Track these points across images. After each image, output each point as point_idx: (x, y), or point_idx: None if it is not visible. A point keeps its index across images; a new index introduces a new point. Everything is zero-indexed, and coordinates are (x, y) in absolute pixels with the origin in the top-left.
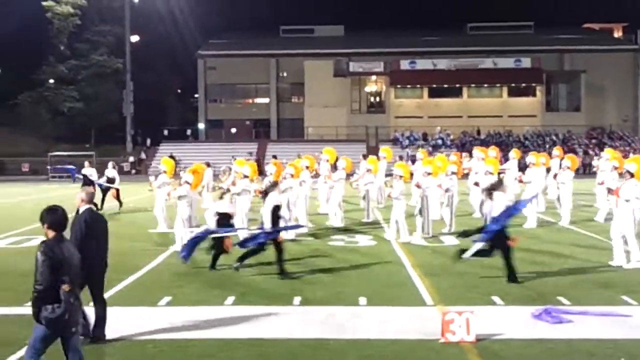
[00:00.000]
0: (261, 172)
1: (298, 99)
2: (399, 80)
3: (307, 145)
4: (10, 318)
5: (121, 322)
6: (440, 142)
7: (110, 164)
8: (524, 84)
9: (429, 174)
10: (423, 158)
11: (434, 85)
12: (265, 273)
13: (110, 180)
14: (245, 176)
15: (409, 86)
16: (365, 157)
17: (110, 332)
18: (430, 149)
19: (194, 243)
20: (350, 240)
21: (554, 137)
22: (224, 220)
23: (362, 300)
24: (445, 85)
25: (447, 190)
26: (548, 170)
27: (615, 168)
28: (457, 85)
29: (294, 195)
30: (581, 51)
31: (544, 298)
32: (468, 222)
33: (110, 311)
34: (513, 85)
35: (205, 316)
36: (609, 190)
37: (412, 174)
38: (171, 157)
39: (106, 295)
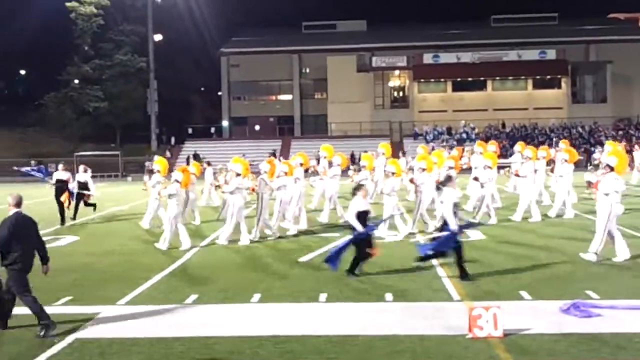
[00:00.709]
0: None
1: (321, 95)
2: (422, 74)
3: (331, 142)
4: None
5: (148, 320)
6: (464, 136)
7: (81, 168)
8: (549, 76)
9: (424, 169)
10: (422, 154)
11: (458, 79)
12: (290, 270)
13: (83, 186)
14: (238, 174)
15: (432, 80)
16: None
17: (138, 330)
18: (455, 143)
19: (341, 250)
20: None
21: (580, 129)
22: (363, 218)
23: (389, 296)
24: (470, 79)
25: (437, 187)
26: (549, 163)
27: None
28: (482, 79)
29: (288, 194)
30: (607, 41)
31: (572, 292)
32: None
33: (138, 309)
34: (538, 77)
35: (232, 314)
36: (589, 184)
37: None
38: (195, 155)
39: (133, 294)
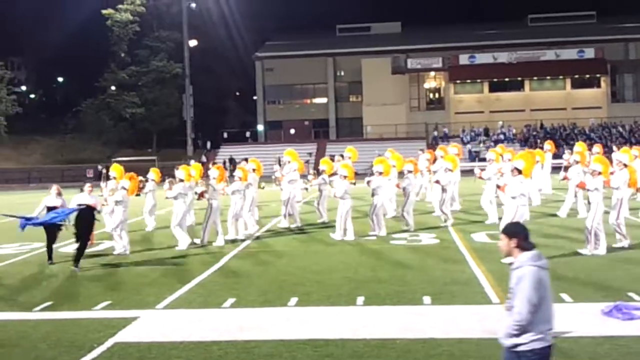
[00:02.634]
0: (318, 172)
1: (356, 97)
2: (458, 75)
3: (366, 144)
4: (80, 321)
5: (186, 324)
6: (502, 137)
7: (53, 189)
8: (587, 75)
9: (380, 173)
10: (391, 156)
11: (495, 80)
12: (327, 274)
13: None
14: (181, 180)
15: (468, 81)
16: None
17: (177, 334)
18: (492, 144)
19: None
20: (412, 239)
21: (620, 129)
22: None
23: (426, 299)
24: (507, 79)
25: (404, 190)
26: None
27: (577, 162)
28: (519, 79)
29: (243, 198)
30: None
31: (614, 294)
32: (427, 220)
33: (175, 314)
34: (577, 76)
35: (269, 317)
36: (497, 187)
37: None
38: (231, 159)
39: (172, 298)
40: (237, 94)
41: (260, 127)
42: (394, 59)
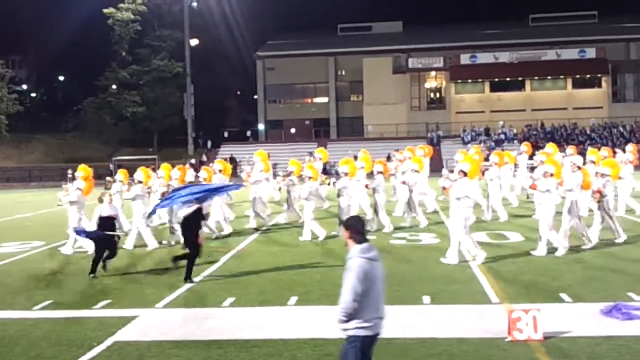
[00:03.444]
0: (326, 172)
1: (357, 97)
2: (459, 75)
3: (367, 144)
4: (80, 320)
5: (186, 323)
6: (503, 136)
7: (106, 198)
8: (589, 75)
9: (346, 174)
10: (363, 156)
11: (496, 79)
12: (326, 272)
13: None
14: (140, 181)
15: (469, 81)
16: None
17: (176, 333)
18: (492, 144)
19: None
20: (412, 238)
21: (621, 129)
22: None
23: (426, 298)
24: (508, 79)
25: (374, 190)
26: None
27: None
28: (520, 78)
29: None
30: None
31: (613, 294)
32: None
33: (174, 313)
34: (578, 76)
35: (269, 316)
36: (443, 189)
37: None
38: (231, 159)
39: (171, 297)
40: (238, 93)
41: (261, 127)
42: (395, 59)
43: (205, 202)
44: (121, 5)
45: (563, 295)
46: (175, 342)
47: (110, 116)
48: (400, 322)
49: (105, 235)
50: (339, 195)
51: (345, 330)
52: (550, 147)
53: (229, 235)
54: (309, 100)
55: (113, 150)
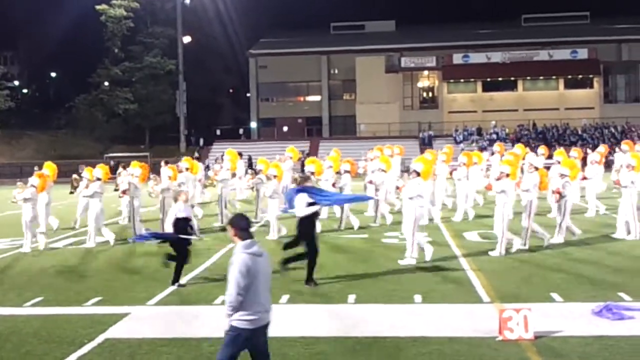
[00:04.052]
0: (256, 172)
1: (350, 96)
2: (451, 74)
3: (359, 143)
4: (71, 317)
5: (178, 320)
6: (495, 136)
7: (181, 197)
8: (580, 76)
9: (312, 173)
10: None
11: (488, 79)
12: (319, 272)
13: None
14: (98, 179)
15: (462, 80)
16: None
17: (167, 330)
18: (485, 143)
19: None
20: (403, 237)
21: (612, 130)
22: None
23: (417, 297)
24: (500, 79)
25: (340, 189)
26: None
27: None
28: (512, 79)
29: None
30: (639, 41)
31: (604, 294)
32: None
33: (166, 310)
34: (569, 77)
35: None
36: (397, 188)
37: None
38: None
39: (163, 295)
40: (231, 91)
41: (253, 125)
42: (388, 58)
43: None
44: (114, 2)
45: (554, 295)
46: (167, 340)
47: (102, 113)
48: (392, 320)
49: (180, 239)
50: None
51: (230, 321)
52: (518, 147)
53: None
54: (302, 99)
55: (105, 148)
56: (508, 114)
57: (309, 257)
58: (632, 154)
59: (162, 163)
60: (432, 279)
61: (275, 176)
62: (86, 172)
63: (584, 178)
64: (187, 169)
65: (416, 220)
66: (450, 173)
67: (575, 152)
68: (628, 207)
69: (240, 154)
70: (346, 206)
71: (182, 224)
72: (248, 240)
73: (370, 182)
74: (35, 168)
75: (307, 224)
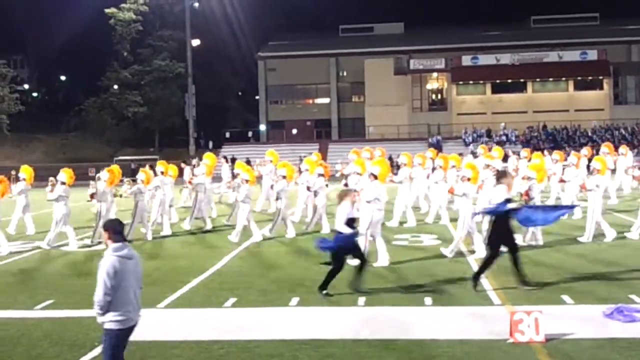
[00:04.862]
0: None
1: (359, 98)
2: (460, 76)
3: (368, 145)
4: (82, 320)
5: (188, 323)
6: (504, 138)
7: (349, 197)
8: (590, 77)
9: (284, 177)
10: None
11: (497, 81)
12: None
13: None
14: (63, 182)
15: (471, 82)
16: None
17: (178, 333)
18: (494, 145)
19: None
20: (414, 239)
21: (622, 131)
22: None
23: (428, 300)
24: (509, 81)
25: (315, 193)
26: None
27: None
28: (521, 80)
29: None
30: None
31: (615, 296)
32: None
33: (176, 313)
34: (579, 78)
35: (270, 317)
36: (355, 191)
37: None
38: (233, 159)
39: (173, 297)
40: (240, 93)
41: (262, 127)
42: (397, 60)
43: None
44: (123, 5)
45: (565, 297)
46: (177, 342)
47: (111, 116)
48: (402, 323)
49: (344, 250)
50: (277, 198)
51: (102, 323)
52: (496, 150)
53: (166, 236)
54: (311, 101)
55: (114, 151)
56: (517, 115)
57: (515, 257)
58: (596, 157)
59: (147, 167)
60: (442, 281)
61: (247, 181)
62: (63, 173)
63: (561, 180)
64: (162, 173)
65: (372, 223)
66: (427, 176)
67: (557, 154)
68: (590, 210)
69: (226, 158)
70: (319, 208)
71: (353, 225)
72: (119, 243)
73: (346, 185)
74: (12, 172)
75: (501, 230)
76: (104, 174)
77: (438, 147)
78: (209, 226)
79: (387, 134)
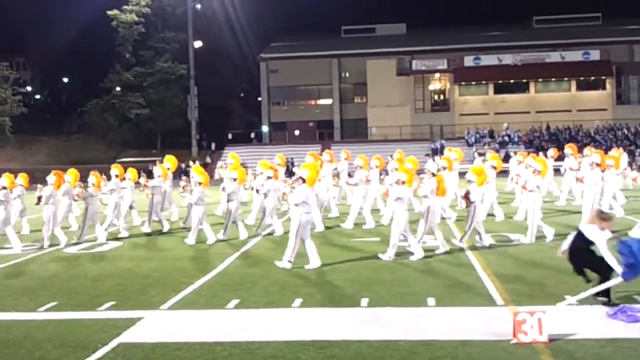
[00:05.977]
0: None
1: (361, 99)
2: (463, 77)
3: (371, 146)
4: (84, 322)
5: (191, 324)
6: (507, 139)
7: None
8: (593, 77)
9: (235, 179)
10: (281, 162)
11: (500, 81)
12: (330, 275)
13: None
14: (4, 187)
15: (473, 83)
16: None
17: (181, 335)
18: (497, 146)
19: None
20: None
21: (625, 131)
22: None
23: (431, 300)
24: (512, 81)
25: (264, 195)
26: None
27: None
28: (524, 81)
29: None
30: None
31: (619, 296)
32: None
33: (179, 314)
34: (582, 78)
35: (273, 318)
36: (283, 195)
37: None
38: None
39: (176, 299)
40: (242, 95)
41: (264, 128)
42: (399, 61)
43: None
44: (125, 7)
45: (568, 298)
46: (180, 344)
47: (114, 118)
48: (404, 324)
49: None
50: (228, 200)
51: None
52: (455, 152)
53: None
54: (313, 102)
55: (117, 152)
56: (520, 116)
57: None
58: (537, 158)
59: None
60: (445, 281)
61: (200, 183)
62: (4, 178)
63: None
64: (116, 176)
65: (300, 226)
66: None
67: (521, 156)
68: (530, 211)
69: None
70: (268, 210)
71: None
72: None
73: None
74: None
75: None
76: (50, 178)
77: (441, 153)
78: (165, 228)
79: (389, 135)
